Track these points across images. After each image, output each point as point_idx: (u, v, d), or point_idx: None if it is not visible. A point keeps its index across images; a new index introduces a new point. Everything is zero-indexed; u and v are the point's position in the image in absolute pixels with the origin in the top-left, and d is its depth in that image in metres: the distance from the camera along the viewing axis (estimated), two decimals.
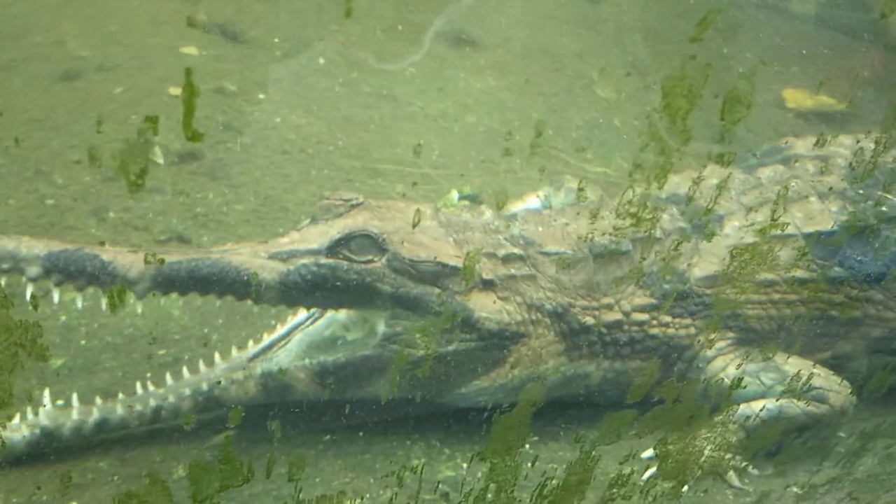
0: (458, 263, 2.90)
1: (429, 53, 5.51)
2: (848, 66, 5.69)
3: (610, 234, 3.07)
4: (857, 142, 3.40)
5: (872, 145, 3.41)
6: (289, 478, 2.30)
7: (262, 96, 4.97)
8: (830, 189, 3.19)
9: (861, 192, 3.18)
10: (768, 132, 4.32)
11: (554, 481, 2.33)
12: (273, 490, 2.68)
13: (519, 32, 5.74)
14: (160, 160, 4.28)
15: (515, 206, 3.91)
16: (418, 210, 3.03)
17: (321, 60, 5.25)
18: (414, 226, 2.96)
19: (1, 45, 5.14)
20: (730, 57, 5.80)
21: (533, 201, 3.94)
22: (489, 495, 2.29)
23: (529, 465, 2.76)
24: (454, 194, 4.44)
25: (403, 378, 2.94)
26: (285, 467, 2.49)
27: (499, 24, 6.04)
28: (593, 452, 2.27)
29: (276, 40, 5.49)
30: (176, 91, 4.67)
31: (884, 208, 3.13)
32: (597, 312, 3.05)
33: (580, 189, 3.58)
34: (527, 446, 3.03)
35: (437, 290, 2.90)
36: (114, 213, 3.93)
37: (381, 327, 2.92)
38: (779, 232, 3.06)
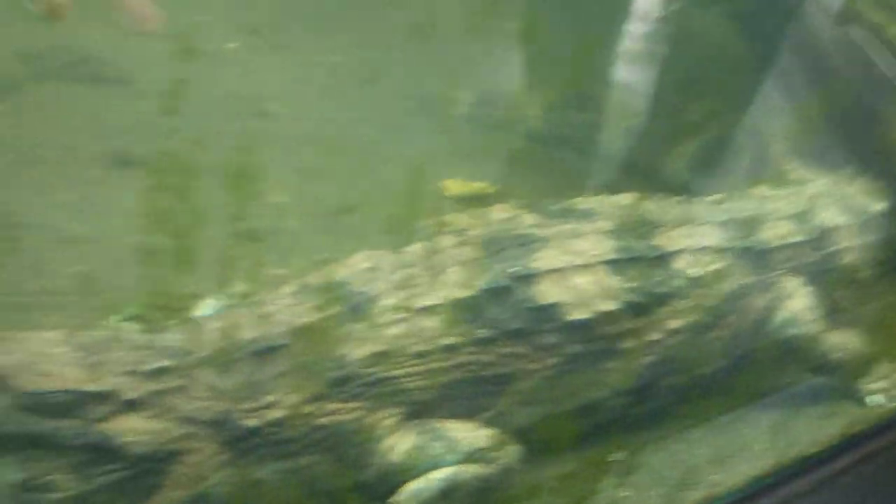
0: (93, 388, 2.64)
1: (81, 177, 5.19)
2: (498, 156, 6.37)
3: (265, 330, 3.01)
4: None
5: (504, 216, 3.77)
6: None
7: None
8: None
9: (494, 258, 3.44)
10: (432, 217, 4.52)
11: None
12: None
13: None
14: None
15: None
16: (43, 338, 2.75)
17: None
18: (38, 355, 2.66)
19: None
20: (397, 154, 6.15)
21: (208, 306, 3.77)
22: None
23: None
24: (117, 317, 4.12)
25: None
26: None
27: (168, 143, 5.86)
28: None
29: None
30: None
31: (513, 270, 3.40)
32: (261, 413, 2.93)
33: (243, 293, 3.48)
34: None
35: (72, 422, 2.60)
36: None
37: (12, 475, 2.55)
38: (422, 305, 3.19)
